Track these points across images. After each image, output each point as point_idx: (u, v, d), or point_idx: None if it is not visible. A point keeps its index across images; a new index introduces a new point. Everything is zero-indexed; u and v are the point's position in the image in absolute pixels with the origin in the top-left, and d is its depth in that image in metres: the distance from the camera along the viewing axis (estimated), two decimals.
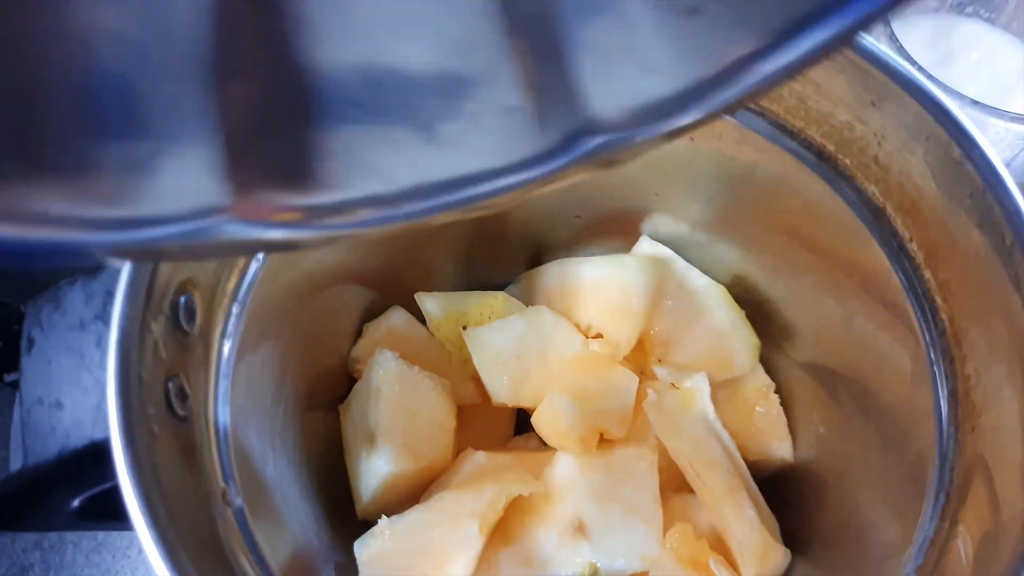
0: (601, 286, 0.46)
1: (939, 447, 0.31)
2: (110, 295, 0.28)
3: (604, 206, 0.47)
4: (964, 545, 0.29)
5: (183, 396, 0.29)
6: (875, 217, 0.34)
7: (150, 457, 0.25)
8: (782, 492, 0.44)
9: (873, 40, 0.31)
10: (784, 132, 0.36)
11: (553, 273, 0.48)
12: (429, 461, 0.41)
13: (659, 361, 0.46)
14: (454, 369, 0.45)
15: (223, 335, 0.33)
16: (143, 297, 0.27)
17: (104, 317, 0.29)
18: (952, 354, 0.31)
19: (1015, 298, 0.28)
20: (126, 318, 0.27)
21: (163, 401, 0.28)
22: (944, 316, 0.32)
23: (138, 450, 0.25)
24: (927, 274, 0.33)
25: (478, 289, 0.48)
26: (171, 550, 0.24)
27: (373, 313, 0.47)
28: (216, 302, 0.32)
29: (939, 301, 0.32)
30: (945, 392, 0.32)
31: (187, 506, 0.27)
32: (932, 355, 0.32)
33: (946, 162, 0.30)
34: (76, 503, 0.31)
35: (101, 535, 0.56)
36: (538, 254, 0.49)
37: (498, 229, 0.48)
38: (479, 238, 0.49)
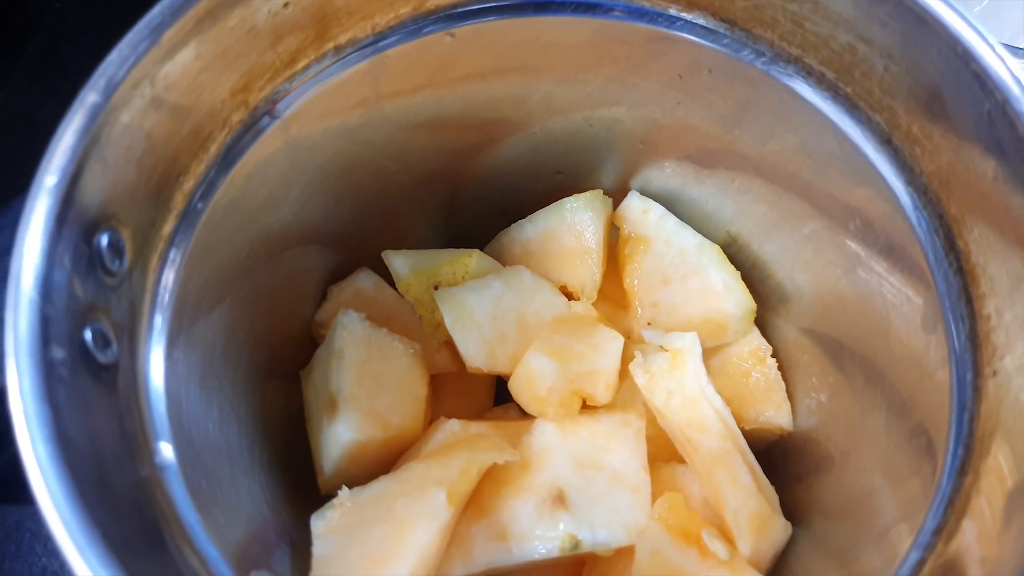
0: (551, 237, 0.43)
1: (956, 396, 0.28)
2: None
3: (587, 159, 0.44)
4: (988, 502, 0.25)
5: (105, 341, 0.26)
6: (881, 149, 0.31)
7: (55, 403, 0.22)
8: (781, 464, 0.41)
9: None
10: (779, 61, 0.33)
11: (508, 238, 0.45)
12: (398, 430, 0.38)
13: (648, 324, 0.43)
14: (426, 334, 0.42)
15: (158, 281, 0.29)
16: (54, 226, 0.24)
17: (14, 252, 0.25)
18: (969, 293, 0.28)
19: None
20: (32, 249, 0.24)
21: (78, 343, 0.24)
22: (959, 252, 0.29)
23: (40, 395, 0.22)
24: (940, 208, 0.29)
25: None
26: (75, 507, 0.21)
27: (340, 275, 0.44)
28: (149, 244, 0.29)
29: (953, 236, 0.29)
30: (962, 336, 0.28)
31: (105, 464, 0.24)
32: (946, 297, 0.29)
33: (962, 77, 0.27)
34: None
35: None
36: (520, 213, 0.45)
37: (476, 186, 0.45)
38: (457, 196, 0.46)
